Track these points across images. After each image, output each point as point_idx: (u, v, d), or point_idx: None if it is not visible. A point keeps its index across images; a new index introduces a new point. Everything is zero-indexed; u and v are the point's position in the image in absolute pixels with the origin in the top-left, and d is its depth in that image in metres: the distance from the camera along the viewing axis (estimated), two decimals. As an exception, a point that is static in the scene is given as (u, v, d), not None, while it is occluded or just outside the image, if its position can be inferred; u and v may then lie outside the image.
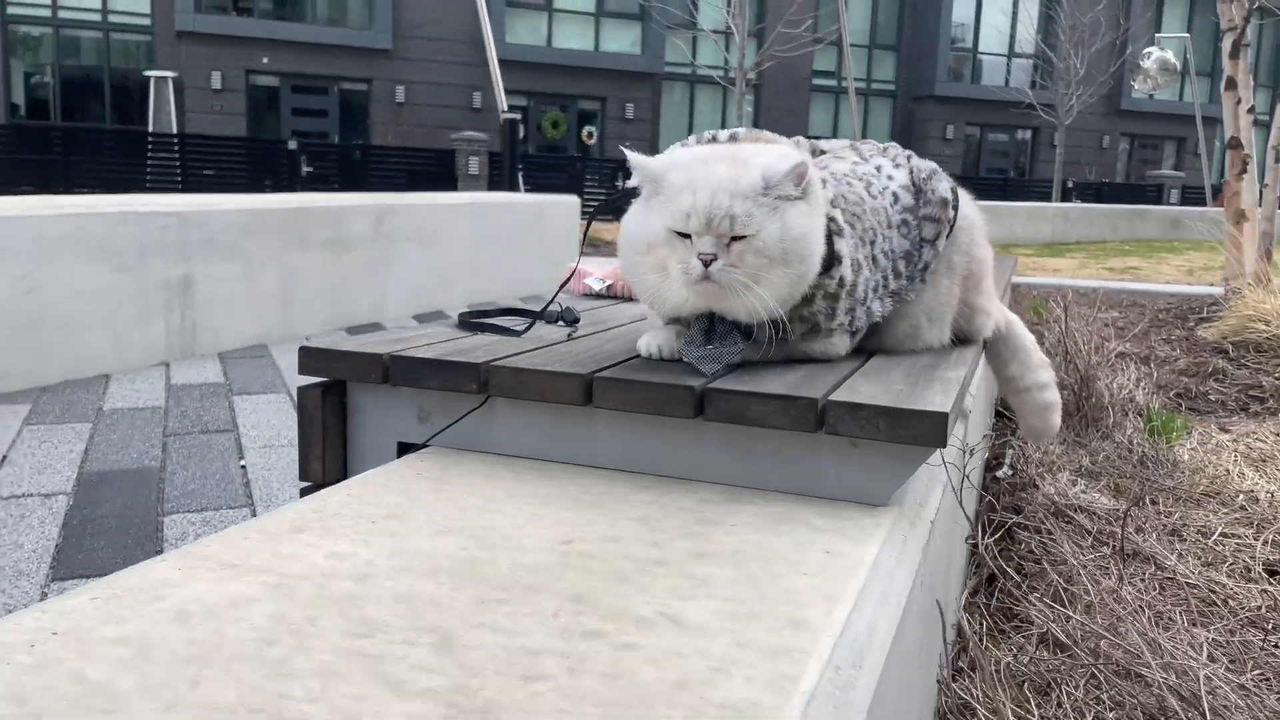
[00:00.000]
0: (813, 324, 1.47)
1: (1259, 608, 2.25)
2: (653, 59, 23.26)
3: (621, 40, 23.57)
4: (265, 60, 20.78)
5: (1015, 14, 25.97)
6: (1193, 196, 22.10)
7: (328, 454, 1.48)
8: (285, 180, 15.75)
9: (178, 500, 2.96)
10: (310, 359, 1.49)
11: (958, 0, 25.56)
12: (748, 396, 1.28)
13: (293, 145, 17.06)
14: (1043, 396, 1.95)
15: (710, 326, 1.42)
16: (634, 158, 1.43)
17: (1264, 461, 3.68)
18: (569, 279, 2.00)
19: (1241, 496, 3.14)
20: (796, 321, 1.45)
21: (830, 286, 1.45)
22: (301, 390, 1.49)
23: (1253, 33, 6.53)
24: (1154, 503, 3.02)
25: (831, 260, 1.43)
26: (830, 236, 1.43)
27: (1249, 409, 4.75)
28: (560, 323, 1.82)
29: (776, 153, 1.42)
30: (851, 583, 1.02)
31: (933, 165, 1.65)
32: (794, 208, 1.36)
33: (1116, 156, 27.77)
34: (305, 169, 16.44)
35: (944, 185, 1.61)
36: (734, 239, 1.33)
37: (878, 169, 1.63)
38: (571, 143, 23.52)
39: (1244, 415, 4.61)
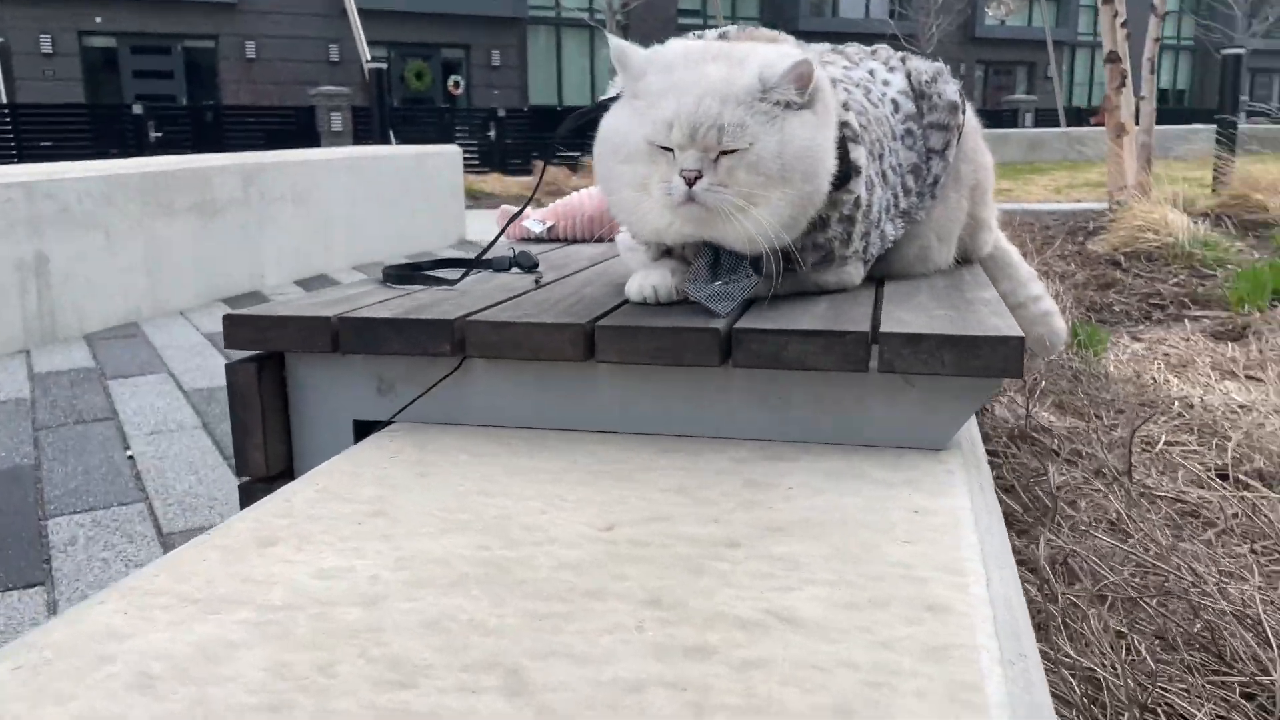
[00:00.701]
0: (827, 251, 1.28)
1: (1234, 515, 2.21)
2: (516, 3, 22.52)
3: (482, -15, 22.76)
4: (99, 20, 19.30)
5: (872, -57, 26.20)
6: (1045, 119, 22.75)
7: (269, 441, 1.23)
8: (133, 147, 14.63)
9: (61, 500, 2.62)
10: (238, 328, 1.22)
11: (816, -68, 25.63)
12: (784, 335, 1.09)
13: (138, 109, 15.91)
14: (1039, 306, 1.82)
15: (715, 259, 1.22)
16: (615, 41, 1.21)
17: (1184, 367, 3.72)
18: (509, 224, 1.76)
19: (1177, 404, 3.15)
20: (809, 249, 1.26)
21: (846, 206, 1.25)
22: (231, 368, 1.22)
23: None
24: (1098, 416, 2.99)
25: (847, 173, 1.24)
26: (844, 143, 1.24)
27: (1151, 316, 4.86)
28: (516, 269, 1.59)
29: (777, 51, 1.21)
30: (964, 547, 0.85)
31: (937, 66, 1.47)
32: (797, 117, 1.15)
33: (973, 83, 28.43)
34: (154, 134, 15.38)
35: (951, 88, 1.44)
36: (723, 153, 1.13)
37: (871, 73, 1.44)
38: (438, 94, 22.69)
39: (1149, 323, 4.70)
